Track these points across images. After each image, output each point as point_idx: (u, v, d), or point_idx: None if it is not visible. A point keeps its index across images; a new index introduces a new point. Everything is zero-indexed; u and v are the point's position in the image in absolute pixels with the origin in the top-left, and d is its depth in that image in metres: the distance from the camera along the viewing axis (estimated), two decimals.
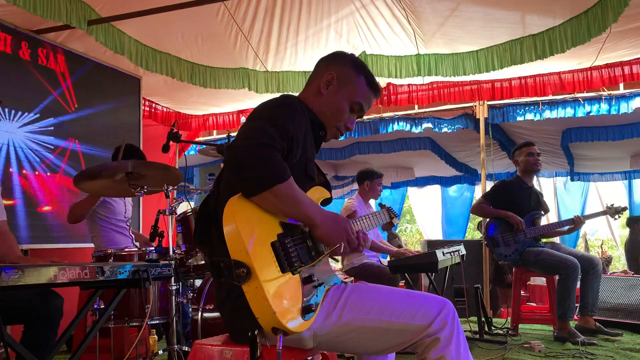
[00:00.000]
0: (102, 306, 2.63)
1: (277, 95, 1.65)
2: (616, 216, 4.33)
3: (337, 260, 5.43)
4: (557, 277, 4.07)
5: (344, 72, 1.69)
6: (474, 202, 4.61)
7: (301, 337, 1.46)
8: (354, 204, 4.42)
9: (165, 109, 6.37)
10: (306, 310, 1.41)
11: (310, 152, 1.63)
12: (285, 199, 1.41)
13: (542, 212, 4.42)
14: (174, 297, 2.72)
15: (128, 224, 3.83)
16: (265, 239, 1.40)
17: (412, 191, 10.51)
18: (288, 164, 1.43)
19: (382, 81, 5.66)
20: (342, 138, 1.82)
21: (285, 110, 1.53)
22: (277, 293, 1.35)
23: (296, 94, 1.75)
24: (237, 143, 1.40)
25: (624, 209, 4.33)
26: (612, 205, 4.34)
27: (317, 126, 1.67)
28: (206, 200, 1.62)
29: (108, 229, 3.76)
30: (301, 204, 1.44)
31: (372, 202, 4.80)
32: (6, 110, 4.08)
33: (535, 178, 4.47)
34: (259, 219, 1.41)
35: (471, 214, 8.68)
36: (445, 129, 6.10)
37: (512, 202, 4.26)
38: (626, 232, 8.63)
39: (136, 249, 3.11)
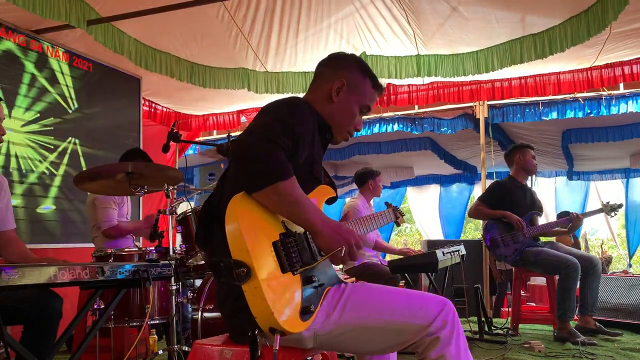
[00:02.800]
0: (102, 306, 2.63)
1: (277, 96, 1.66)
2: (612, 213, 4.33)
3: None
4: (557, 277, 4.07)
5: (353, 78, 1.72)
6: (471, 205, 4.61)
7: (301, 337, 1.46)
8: (358, 202, 4.44)
9: (165, 109, 6.37)
10: (305, 311, 1.41)
11: (317, 154, 1.64)
12: (287, 198, 1.40)
13: (539, 212, 4.43)
14: (174, 297, 2.72)
15: None
16: (267, 238, 1.40)
17: (411, 191, 10.51)
18: (293, 164, 1.43)
19: (382, 82, 5.65)
20: None
21: (294, 110, 1.54)
22: (276, 293, 1.35)
23: (297, 95, 1.76)
24: (243, 137, 1.42)
25: (620, 206, 4.33)
26: (608, 202, 4.34)
27: (324, 129, 1.69)
28: (209, 200, 1.62)
29: None
30: (303, 206, 1.44)
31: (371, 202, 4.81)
32: (6, 110, 4.07)
33: (533, 178, 4.47)
34: (261, 217, 1.41)
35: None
36: (445, 129, 6.10)
37: (509, 202, 4.26)
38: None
39: (136, 249, 3.11)
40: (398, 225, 2.45)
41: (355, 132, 1.81)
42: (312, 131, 1.59)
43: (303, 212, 1.44)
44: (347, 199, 8.90)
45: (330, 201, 1.73)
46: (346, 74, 1.71)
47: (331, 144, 1.77)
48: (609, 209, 4.30)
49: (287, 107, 1.54)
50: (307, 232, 1.51)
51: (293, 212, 1.44)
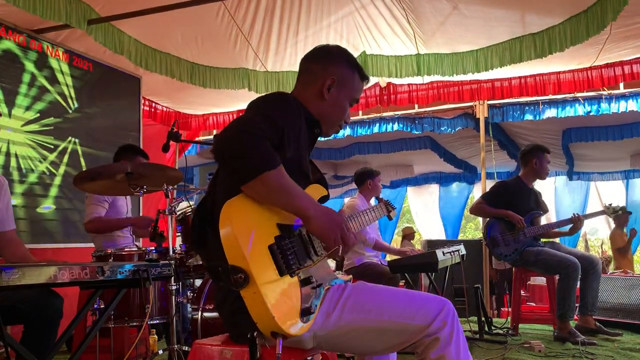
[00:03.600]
0: (102, 306, 2.62)
1: None
2: (614, 216, 4.34)
3: (336, 260, 5.45)
4: (557, 277, 4.07)
5: (343, 74, 1.71)
6: (473, 203, 4.61)
7: (301, 337, 1.46)
8: (357, 202, 4.43)
9: (165, 109, 6.37)
10: (305, 312, 1.40)
11: (305, 149, 1.63)
12: (275, 187, 1.39)
13: (542, 212, 4.42)
14: (174, 297, 2.72)
15: None
16: (262, 242, 1.39)
17: (411, 191, 10.52)
18: (280, 158, 1.42)
19: (382, 81, 5.67)
20: (341, 136, 1.85)
21: (277, 104, 1.54)
22: (276, 297, 1.34)
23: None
24: (224, 133, 1.40)
25: (622, 208, 4.33)
26: (611, 204, 4.34)
27: (312, 124, 1.68)
28: (203, 201, 1.61)
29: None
30: (293, 194, 1.42)
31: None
32: (6, 109, 4.08)
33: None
34: (256, 221, 1.40)
35: (470, 215, 8.68)
36: (445, 129, 6.10)
37: (512, 203, 4.25)
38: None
39: (136, 249, 3.11)
40: (390, 219, 2.47)
41: (345, 125, 1.84)
42: (298, 125, 1.57)
43: (293, 200, 1.42)
44: (347, 199, 8.90)
45: (322, 200, 1.72)
46: (336, 70, 1.71)
47: (322, 137, 1.77)
48: (612, 211, 4.31)
49: (271, 102, 1.55)
50: (302, 233, 1.51)
51: (283, 201, 1.42)
